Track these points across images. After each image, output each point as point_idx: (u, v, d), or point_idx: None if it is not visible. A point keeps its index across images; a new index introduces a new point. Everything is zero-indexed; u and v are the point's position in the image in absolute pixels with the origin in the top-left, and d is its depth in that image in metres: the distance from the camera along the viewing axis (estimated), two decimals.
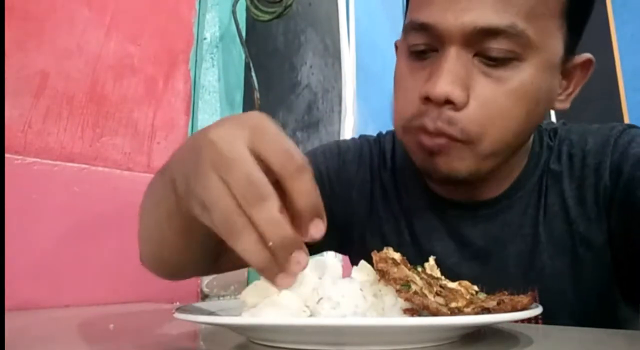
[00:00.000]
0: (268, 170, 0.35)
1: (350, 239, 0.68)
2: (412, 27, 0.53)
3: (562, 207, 0.57)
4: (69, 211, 0.80)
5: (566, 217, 0.57)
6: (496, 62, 0.50)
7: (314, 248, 0.67)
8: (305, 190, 0.36)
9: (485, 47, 0.50)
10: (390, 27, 2.13)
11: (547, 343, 0.43)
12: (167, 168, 0.47)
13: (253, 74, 1.12)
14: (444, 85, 0.49)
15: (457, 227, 0.61)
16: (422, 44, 0.52)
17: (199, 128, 1.06)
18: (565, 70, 0.55)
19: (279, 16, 1.12)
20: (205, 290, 0.99)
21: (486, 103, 0.50)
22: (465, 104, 0.50)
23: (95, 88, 0.88)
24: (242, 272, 1.06)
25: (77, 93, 0.86)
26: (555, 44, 0.52)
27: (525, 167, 0.60)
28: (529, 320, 0.53)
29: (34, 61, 0.80)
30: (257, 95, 1.11)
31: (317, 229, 0.37)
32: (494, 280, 0.54)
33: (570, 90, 0.57)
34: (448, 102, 0.50)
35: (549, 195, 0.58)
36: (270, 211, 0.34)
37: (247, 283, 0.94)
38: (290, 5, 1.11)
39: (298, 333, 0.36)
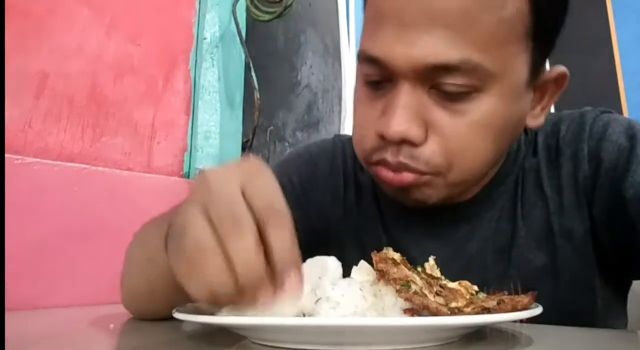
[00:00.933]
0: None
1: (327, 246, 0.64)
2: (363, 58, 0.50)
3: (541, 197, 0.56)
4: (69, 211, 0.80)
5: (545, 208, 0.55)
6: (453, 95, 0.47)
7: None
8: (282, 237, 0.34)
9: (440, 82, 0.47)
10: None
11: (547, 343, 0.43)
12: (164, 218, 0.45)
13: (253, 74, 1.12)
14: (398, 124, 0.47)
15: (438, 227, 0.59)
16: (375, 75, 0.50)
17: (199, 128, 1.06)
18: (537, 86, 0.53)
19: (279, 16, 1.12)
20: None
21: (446, 137, 0.48)
22: (423, 141, 0.48)
23: (95, 88, 0.88)
24: None
25: (77, 93, 0.86)
26: (520, 68, 0.49)
27: (504, 164, 0.58)
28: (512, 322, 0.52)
29: (34, 61, 0.80)
30: (257, 95, 1.11)
31: (292, 282, 0.34)
32: (475, 279, 0.51)
33: (544, 103, 0.55)
34: (405, 141, 0.48)
35: (527, 187, 0.57)
36: (247, 243, 0.33)
37: None
38: (290, 5, 1.11)
39: (298, 333, 0.36)
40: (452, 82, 0.46)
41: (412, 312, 0.37)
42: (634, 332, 0.48)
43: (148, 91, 0.98)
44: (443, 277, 0.44)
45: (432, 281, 0.41)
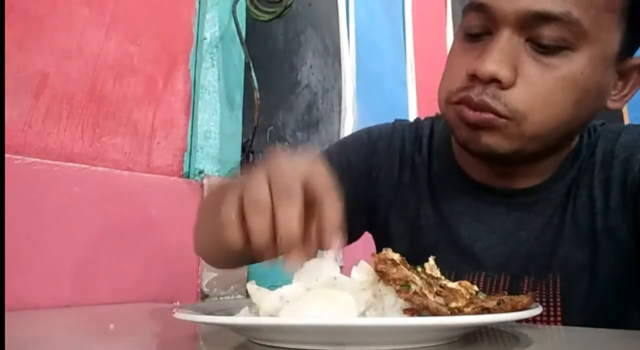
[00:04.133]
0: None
1: (374, 221, 0.70)
2: (470, 7, 0.54)
3: (589, 197, 0.58)
4: (69, 211, 0.80)
5: (591, 207, 0.58)
6: (547, 49, 0.50)
7: (348, 229, 0.70)
8: (335, 206, 0.40)
9: (538, 32, 0.50)
10: (390, 27, 2.13)
11: (547, 343, 0.43)
12: (232, 184, 0.53)
13: (253, 74, 1.12)
14: (492, 63, 0.50)
15: (489, 212, 0.61)
16: (477, 26, 0.54)
17: (199, 128, 1.06)
18: (622, 71, 0.56)
19: (279, 16, 1.12)
20: (205, 290, 0.99)
21: (533, 86, 0.51)
22: (511, 84, 0.51)
23: (95, 88, 0.88)
24: (242, 272, 1.06)
25: (77, 93, 0.86)
26: (611, 39, 0.52)
27: (564, 161, 0.61)
28: (547, 316, 0.54)
29: (34, 61, 0.80)
30: (257, 95, 1.11)
31: (333, 241, 0.39)
32: (519, 267, 0.57)
33: (626, 91, 0.57)
34: (494, 80, 0.51)
35: (579, 187, 0.59)
36: (292, 209, 0.38)
37: (247, 281, 0.94)
38: (290, 5, 1.11)
39: (298, 333, 0.36)
40: (550, 33, 0.50)
41: (412, 312, 0.37)
42: (636, 332, 0.48)
43: (148, 91, 0.98)
44: (443, 277, 0.44)
45: (432, 281, 0.41)
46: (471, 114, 0.53)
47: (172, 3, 1.05)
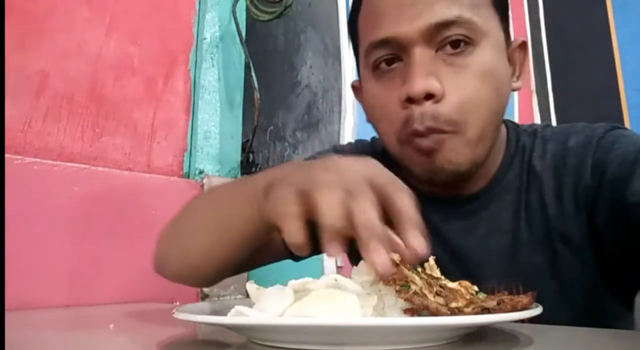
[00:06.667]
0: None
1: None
2: (372, 46, 0.57)
3: (540, 204, 0.59)
4: (69, 211, 0.80)
5: (544, 213, 0.58)
6: (456, 51, 0.55)
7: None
8: (408, 203, 0.40)
9: (443, 37, 0.54)
10: None
11: (547, 343, 0.43)
12: (233, 187, 0.55)
13: (253, 74, 1.12)
14: (420, 80, 0.53)
15: (438, 223, 0.62)
16: (386, 59, 0.57)
17: (199, 128, 1.06)
18: (508, 55, 0.60)
19: (279, 16, 1.12)
20: (205, 290, 0.99)
21: (460, 89, 0.54)
22: (443, 94, 0.54)
23: (95, 88, 0.88)
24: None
25: (77, 93, 0.86)
26: (496, 29, 0.58)
27: (501, 164, 0.62)
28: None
29: (34, 61, 0.80)
30: (257, 95, 1.11)
31: (417, 240, 0.38)
32: (475, 275, 0.55)
33: (517, 72, 0.62)
34: (428, 96, 0.53)
35: (530, 193, 0.60)
36: (368, 201, 0.38)
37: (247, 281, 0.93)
38: (290, 5, 1.11)
39: (298, 333, 0.36)
40: (452, 33, 0.54)
41: (412, 312, 0.37)
42: (635, 332, 0.48)
43: (148, 91, 0.98)
44: (443, 277, 0.44)
45: (432, 281, 0.41)
46: (425, 142, 0.55)
47: (172, 3, 1.05)
